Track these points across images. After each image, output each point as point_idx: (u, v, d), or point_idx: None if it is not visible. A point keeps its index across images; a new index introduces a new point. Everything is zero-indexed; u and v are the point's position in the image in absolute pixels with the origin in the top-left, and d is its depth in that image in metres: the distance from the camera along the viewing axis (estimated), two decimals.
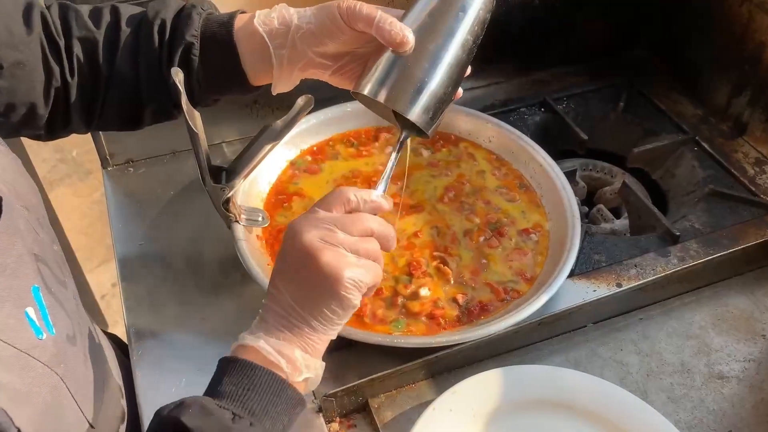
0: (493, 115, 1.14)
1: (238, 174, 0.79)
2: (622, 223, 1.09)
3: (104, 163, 1.04)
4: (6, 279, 0.49)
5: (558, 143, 1.17)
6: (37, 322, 0.51)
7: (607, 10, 1.21)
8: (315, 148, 1.02)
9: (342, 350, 0.79)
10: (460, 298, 0.84)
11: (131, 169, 1.06)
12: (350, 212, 0.60)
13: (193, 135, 0.73)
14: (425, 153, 1.04)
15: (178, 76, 0.72)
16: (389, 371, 0.76)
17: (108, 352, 0.77)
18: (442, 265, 0.86)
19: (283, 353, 0.56)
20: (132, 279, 0.90)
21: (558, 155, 1.13)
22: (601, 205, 1.12)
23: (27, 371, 0.49)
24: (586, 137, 1.13)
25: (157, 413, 0.53)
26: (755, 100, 1.11)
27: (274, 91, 0.76)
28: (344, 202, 0.59)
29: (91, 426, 0.61)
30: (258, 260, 0.83)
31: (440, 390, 0.78)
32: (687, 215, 1.03)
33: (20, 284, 0.51)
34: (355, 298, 0.57)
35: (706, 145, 1.13)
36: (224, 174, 0.79)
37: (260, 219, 0.88)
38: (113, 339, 0.89)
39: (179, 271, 0.90)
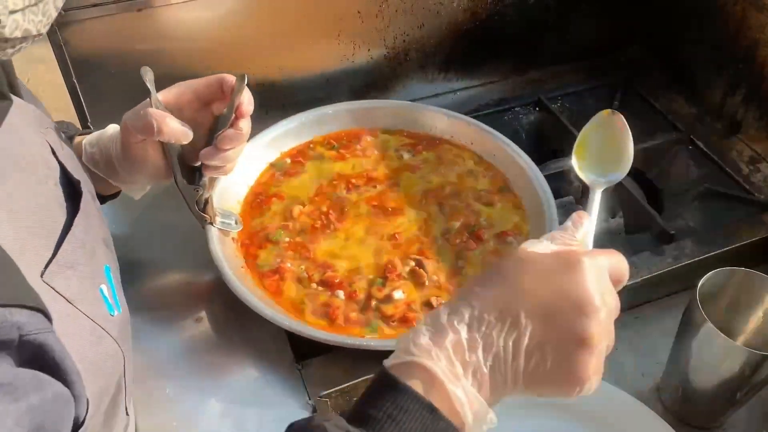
0: (488, 114, 1.14)
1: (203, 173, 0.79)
2: (616, 222, 1.08)
3: None
4: (87, 257, 0.51)
5: (553, 142, 1.16)
6: (109, 299, 0.53)
7: (603, 8, 1.20)
8: (295, 151, 1.00)
9: (334, 351, 0.77)
10: (435, 302, 0.81)
11: None
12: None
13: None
14: (406, 155, 1.02)
15: (147, 75, 0.73)
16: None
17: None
18: (417, 268, 0.84)
19: (475, 410, 0.43)
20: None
21: (553, 155, 1.13)
22: None
23: (101, 344, 0.50)
24: None
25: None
26: (749, 99, 1.10)
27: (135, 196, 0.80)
28: (618, 274, 0.50)
29: (126, 414, 0.61)
30: (231, 264, 0.80)
31: None
32: (682, 214, 1.03)
33: (97, 262, 0.52)
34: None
35: (700, 144, 1.12)
36: (198, 174, 0.77)
37: (234, 223, 0.86)
38: None
39: (151, 266, 0.88)
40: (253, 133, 0.78)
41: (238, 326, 0.81)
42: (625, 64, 1.26)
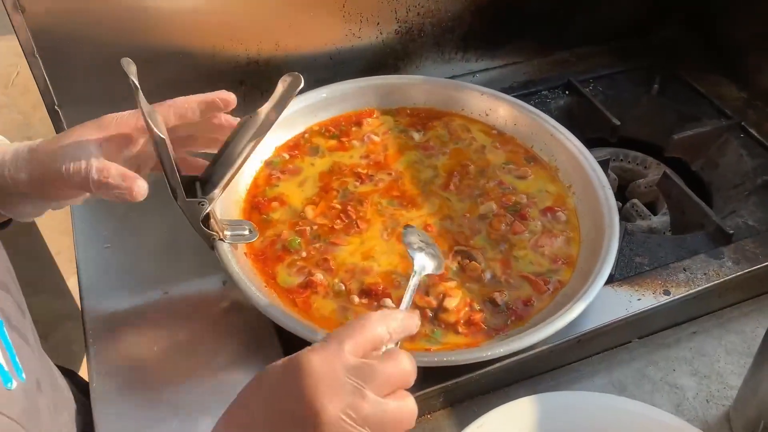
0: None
1: (215, 183, 0.67)
2: (660, 219, 0.96)
3: None
4: None
5: (585, 130, 1.03)
6: (5, 366, 0.41)
7: None
8: (291, 144, 0.90)
9: None
10: (498, 297, 0.72)
11: None
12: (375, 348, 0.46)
13: (157, 141, 0.60)
14: (416, 135, 0.92)
15: (129, 67, 0.60)
16: None
17: (67, 396, 0.64)
18: (468, 262, 0.75)
19: None
20: (94, 289, 0.76)
21: (587, 143, 1.00)
22: (635, 200, 0.99)
23: None
24: (618, 123, 1.00)
25: None
26: None
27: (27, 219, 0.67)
28: (375, 340, 0.46)
29: None
30: (255, 283, 0.70)
31: (461, 422, 0.66)
32: (737, 210, 0.90)
33: None
34: None
35: (753, 131, 1.00)
36: (198, 185, 0.67)
37: (248, 233, 0.75)
38: (70, 376, 0.75)
39: (149, 281, 0.78)
40: None
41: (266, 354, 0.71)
42: (662, 44, 1.17)
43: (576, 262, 0.78)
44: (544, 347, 0.69)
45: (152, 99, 0.64)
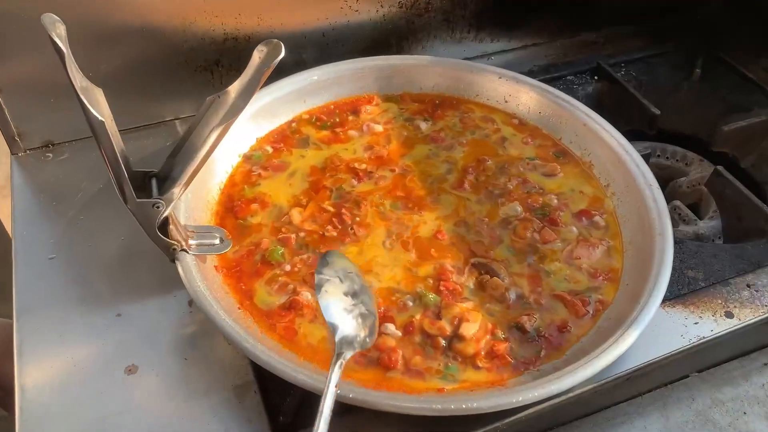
0: None
1: (175, 179, 0.55)
2: (708, 224, 0.83)
3: (12, 146, 0.77)
4: None
5: (617, 121, 0.90)
6: None
7: None
8: (276, 135, 0.78)
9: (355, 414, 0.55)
10: (527, 322, 0.60)
11: (50, 154, 0.79)
12: None
13: (94, 124, 0.47)
14: (423, 125, 0.80)
15: (55, 27, 0.47)
16: None
17: None
18: (488, 278, 0.63)
19: None
20: (33, 310, 0.62)
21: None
22: (677, 202, 0.86)
23: None
24: (657, 112, 0.87)
25: None
26: None
27: None
28: None
29: None
30: (224, 304, 0.57)
31: None
32: None
33: None
34: None
35: None
36: (155, 182, 0.56)
37: (218, 242, 0.63)
38: None
39: (101, 299, 0.65)
40: None
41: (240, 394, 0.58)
42: (703, 23, 1.06)
43: (620, 277, 0.64)
44: (586, 387, 0.55)
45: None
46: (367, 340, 0.52)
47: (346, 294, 0.54)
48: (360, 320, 0.53)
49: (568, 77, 0.95)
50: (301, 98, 0.79)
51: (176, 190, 0.54)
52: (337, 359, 0.49)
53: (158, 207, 0.54)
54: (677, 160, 0.92)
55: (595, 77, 0.95)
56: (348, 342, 0.51)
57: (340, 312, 0.53)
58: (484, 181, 0.73)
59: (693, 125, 0.94)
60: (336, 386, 0.47)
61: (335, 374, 0.48)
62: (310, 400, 0.54)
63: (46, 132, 0.79)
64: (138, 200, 0.53)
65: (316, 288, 0.53)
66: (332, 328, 0.51)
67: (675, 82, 0.96)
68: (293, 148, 0.76)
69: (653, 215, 0.66)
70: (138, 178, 0.55)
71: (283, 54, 0.51)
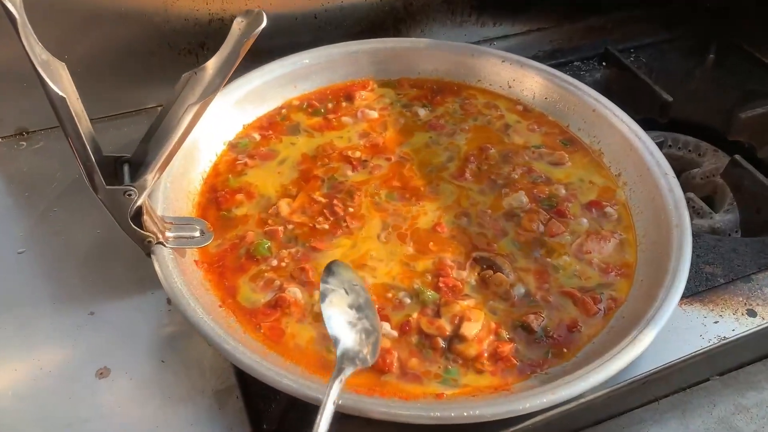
0: None
1: (149, 165, 0.50)
2: (724, 218, 0.79)
3: None
4: None
5: (627, 110, 0.85)
6: None
7: None
8: (264, 121, 0.73)
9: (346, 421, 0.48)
10: (533, 321, 0.55)
11: (24, 143, 0.75)
12: None
13: (54, 100, 0.42)
14: (422, 112, 0.76)
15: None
16: None
17: None
18: (492, 273, 0.59)
19: None
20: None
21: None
22: (691, 194, 0.82)
23: None
24: (670, 99, 0.82)
25: None
26: None
27: None
28: None
29: None
30: (203, 302, 0.53)
31: None
32: None
33: None
34: None
35: None
36: (127, 168, 0.52)
37: (198, 234, 0.59)
38: None
39: (73, 297, 0.60)
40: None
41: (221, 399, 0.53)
42: (716, 7, 1.01)
43: (634, 272, 0.59)
44: (599, 393, 0.51)
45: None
46: (369, 358, 0.47)
47: (350, 307, 0.50)
48: (363, 336, 0.48)
49: (575, 63, 0.91)
50: (292, 83, 0.74)
51: (149, 177, 0.50)
52: (338, 374, 0.44)
53: (130, 195, 0.50)
54: (690, 151, 0.88)
55: (603, 63, 0.91)
56: (350, 357, 0.46)
57: (344, 325, 0.48)
58: (486, 170, 0.68)
59: (706, 114, 0.90)
60: (334, 403, 0.43)
61: (335, 389, 0.43)
62: (296, 406, 0.49)
63: (19, 119, 0.75)
64: (108, 188, 0.49)
65: (321, 297, 0.49)
66: (335, 341, 0.47)
67: (687, 68, 0.92)
68: (283, 135, 0.71)
69: (669, 206, 0.61)
70: (109, 164, 0.50)
71: (264, 23, 0.46)
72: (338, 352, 0.46)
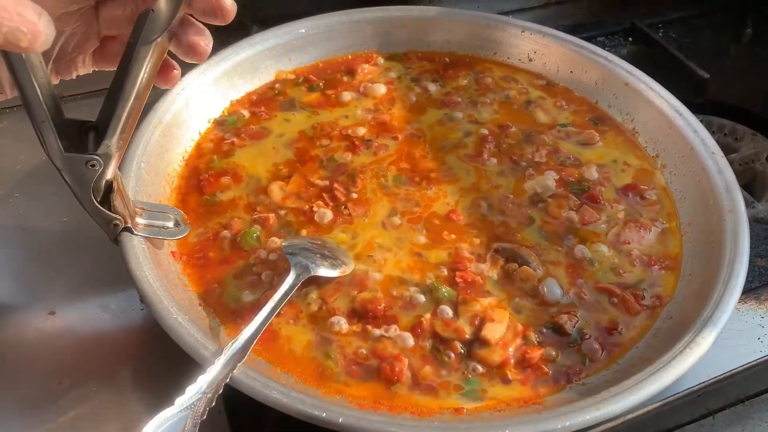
0: None
1: (113, 127, 0.42)
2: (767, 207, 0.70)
3: None
4: None
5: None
6: None
7: None
8: (254, 97, 0.67)
9: None
10: (566, 322, 0.48)
11: None
12: None
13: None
14: (432, 87, 0.69)
15: None
16: None
17: None
18: (516, 267, 0.52)
19: None
20: None
21: None
22: None
23: None
24: (706, 76, 0.75)
25: None
26: None
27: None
28: None
29: None
30: (178, 299, 0.45)
31: None
32: None
33: None
34: None
35: None
36: (92, 136, 0.44)
37: (172, 226, 0.51)
38: None
39: (33, 295, 0.53)
40: (185, 70, 0.54)
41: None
42: None
43: (680, 265, 0.52)
44: (649, 407, 0.43)
45: None
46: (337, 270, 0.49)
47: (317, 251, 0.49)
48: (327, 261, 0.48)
49: (599, 38, 0.85)
50: (286, 55, 0.67)
51: (111, 142, 0.42)
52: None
53: (94, 166, 0.42)
54: (725, 135, 0.81)
55: (629, 39, 0.84)
56: (304, 266, 0.47)
57: (302, 250, 0.48)
58: (506, 149, 0.61)
59: (743, 94, 0.83)
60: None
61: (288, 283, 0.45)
62: (287, 421, 0.42)
63: None
64: (66, 154, 0.41)
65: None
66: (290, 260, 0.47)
67: (721, 46, 0.87)
68: (276, 111, 0.64)
69: (719, 189, 0.54)
70: (71, 129, 0.42)
71: None
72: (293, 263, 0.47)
